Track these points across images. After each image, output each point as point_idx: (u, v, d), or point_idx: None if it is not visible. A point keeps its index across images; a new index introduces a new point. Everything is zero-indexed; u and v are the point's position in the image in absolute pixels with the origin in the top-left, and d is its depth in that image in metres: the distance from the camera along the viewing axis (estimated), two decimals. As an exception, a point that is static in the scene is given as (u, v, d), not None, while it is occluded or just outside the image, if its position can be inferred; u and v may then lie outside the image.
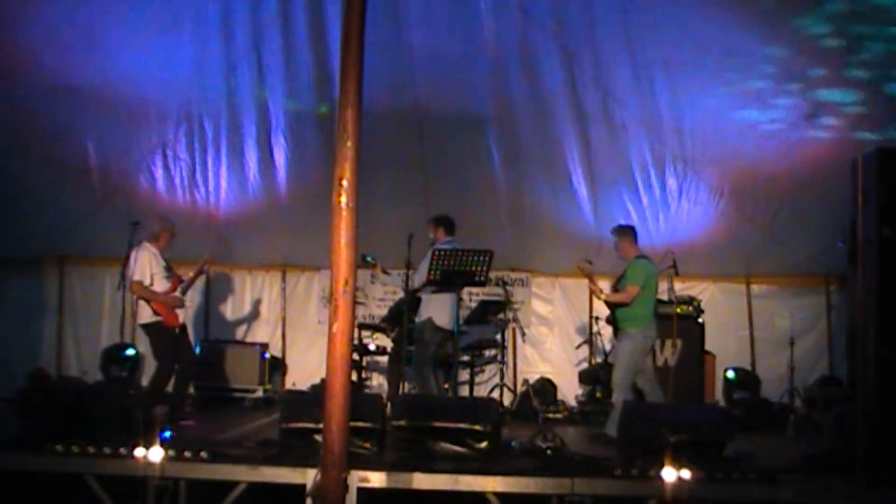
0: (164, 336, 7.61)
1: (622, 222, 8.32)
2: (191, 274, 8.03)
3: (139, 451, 5.67)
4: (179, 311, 7.74)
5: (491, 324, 9.57)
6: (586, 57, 8.47)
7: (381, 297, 10.33)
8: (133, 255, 7.69)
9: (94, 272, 10.45)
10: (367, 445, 6.03)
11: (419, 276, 7.83)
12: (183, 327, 7.86)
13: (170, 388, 7.74)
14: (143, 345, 9.15)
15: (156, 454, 5.63)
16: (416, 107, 8.98)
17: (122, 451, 5.74)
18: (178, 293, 7.77)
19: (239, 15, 8.53)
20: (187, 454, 5.73)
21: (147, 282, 7.56)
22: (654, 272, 7.63)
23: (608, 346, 9.56)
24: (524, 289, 10.39)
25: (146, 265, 7.59)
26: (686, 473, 5.49)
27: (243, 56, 8.78)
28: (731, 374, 9.87)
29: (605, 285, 9.95)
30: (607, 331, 9.55)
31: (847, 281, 6.68)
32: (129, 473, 5.66)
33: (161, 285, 7.63)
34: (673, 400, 8.16)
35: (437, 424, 6.15)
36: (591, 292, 7.68)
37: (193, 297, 10.31)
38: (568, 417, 9.19)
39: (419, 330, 8.00)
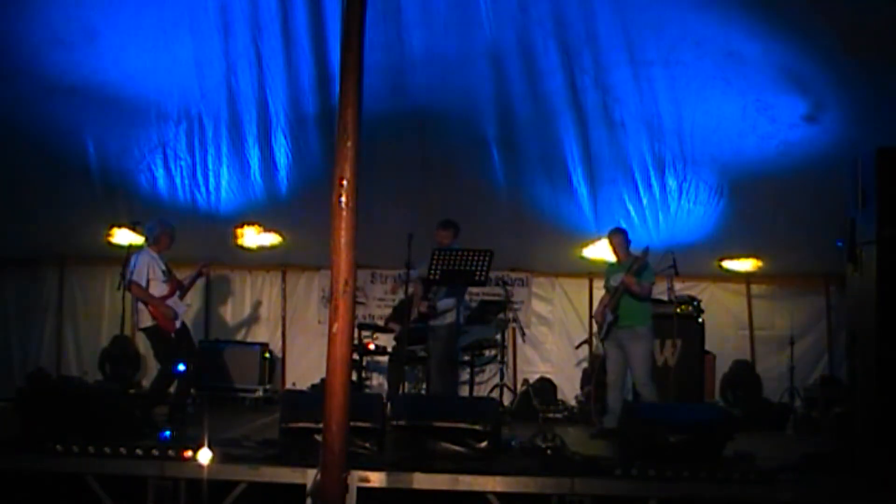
0: (163, 339, 7.62)
1: (619, 225, 8.48)
2: (190, 275, 8.06)
3: (189, 453, 5.69)
4: (180, 316, 7.76)
5: (491, 324, 9.57)
6: (586, 57, 8.47)
7: (381, 296, 10.33)
8: (133, 257, 7.70)
9: (94, 272, 10.45)
10: (367, 445, 6.03)
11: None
12: (184, 330, 7.86)
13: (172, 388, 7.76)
14: (143, 345, 9.18)
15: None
16: (416, 107, 8.98)
17: (123, 450, 5.74)
18: (176, 297, 7.77)
19: (239, 15, 8.54)
20: (187, 454, 5.73)
21: (143, 284, 7.57)
22: None
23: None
24: (524, 289, 10.39)
25: (144, 268, 7.60)
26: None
27: (243, 56, 8.78)
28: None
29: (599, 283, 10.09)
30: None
31: (847, 281, 6.67)
32: (129, 473, 5.66)
33: (158, 289, 7.64)
34: (673, 400, 8.17)
35: (437, 424, 6.15)
36: (627, 284, 7.70)
37: (193, 298, 10.31)
38: (568, 417, 9.19)
39: (443, 332, 8.00)
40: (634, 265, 7.75)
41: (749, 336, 10.27)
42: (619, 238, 8.07)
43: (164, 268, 7.74)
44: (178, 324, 7.72)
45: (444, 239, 8.08)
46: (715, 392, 9.73)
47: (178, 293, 7.82)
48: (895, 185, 5.73)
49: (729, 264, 9.86)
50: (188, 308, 8.40)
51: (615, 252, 8.07)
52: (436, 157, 9.38)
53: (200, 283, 10.12)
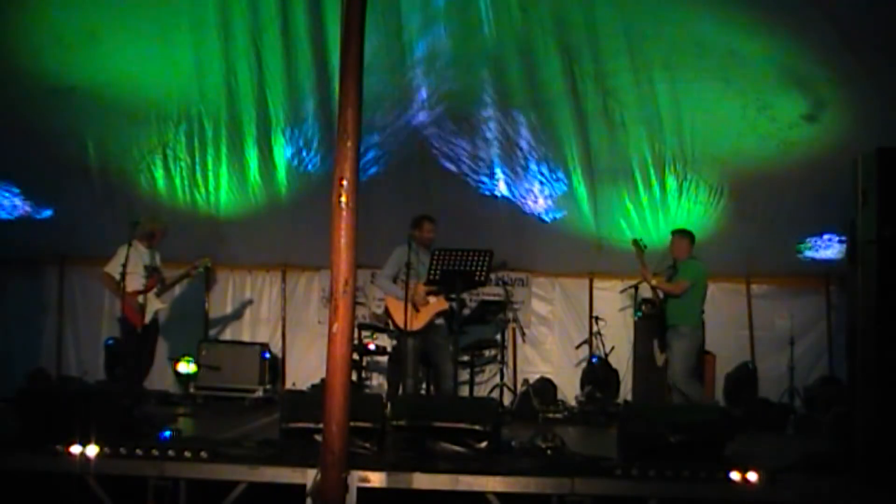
0: (128, 331, 7.77)
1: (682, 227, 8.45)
2: (176, 274, 8.16)
3: None
4: (151, 312, 7.81)
5: (491, 324, 9.57)
6: (586, 57, 8.48)
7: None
8: (119, 249, 7.83)
9: (94, 272, 10.40)
10: (367, 445, 6.02)
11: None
12: (153, 328, 7.91)
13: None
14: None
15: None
16: (416, 106, 8.99)
17: (122, 451, 5.74)
18: (151, 294, 7.81)
19: (238, 15, 8.55)
20: (187, 454, 5.72)
21: (116, 276, 7.73)
22: (706, 274, 7.92)
23: (608, 347, 9.56)
24: (524, 289, 10.38)
25: (119, 260, 7.74)
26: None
27: (243, 56, 8.79)
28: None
29: (608, 284, 10.09)
30: (607, 331, 9.61)
31: (847, 281, 6.67)
32: (129, 473, 5.66)
33: (136, 282, 7.72)
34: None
35: (437, 424, 6.14)
36: (642, 274, 7.85)
37: (192, 297, 10.33)
38: (568, 417, 9.19)
39: (447, 331, 8.00)
40: (670, 268, 7.83)
41: (749, 336, 10.26)
42: (672, 239, 8.06)
43: (147, 262, 7.82)
44: (147, 319, 7.75)
45: (431, 233, 8.01)
46: (715, 392, 9.73)
47: (155, 290, 7.87)
48: (895, 185, 5.72)
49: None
50: (163, 307, 8.39)
51: (671, 251, 8.04)
52: (436, 157, 9.38)
53: (200, 282, 10.17)
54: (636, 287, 9.15)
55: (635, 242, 8.11)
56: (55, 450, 5.75)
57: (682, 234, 8.09)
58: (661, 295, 7.92)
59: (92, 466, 5.68)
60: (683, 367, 7.61)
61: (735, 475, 5.48)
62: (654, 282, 7.77)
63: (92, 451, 5.67)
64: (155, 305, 7.94)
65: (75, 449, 5.69)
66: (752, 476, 5.48)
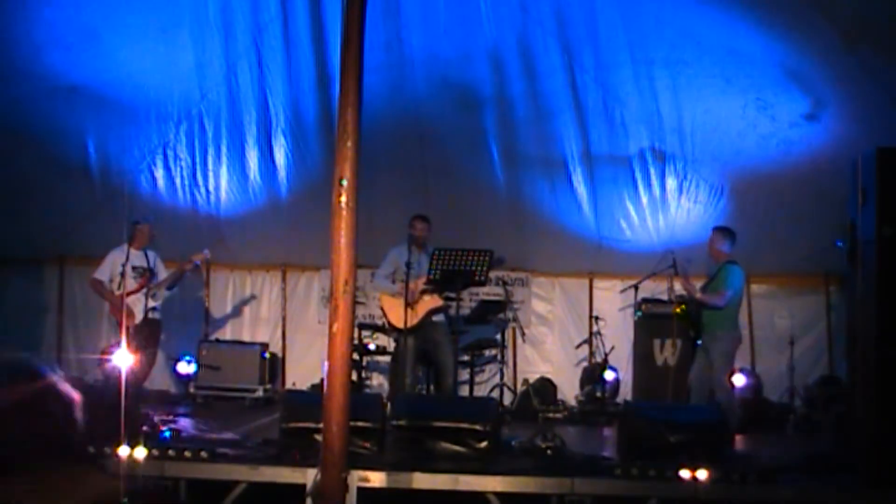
0: (124, 334, 7.78)
1: (722, 224, 8.26)
2: (173, 271, 8.18)
3: None
4: (142, 311, 7.85)
5: (491, 324, 9.56)
6: (587, 56, 8.48)
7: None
8: (109, 254, 7.94)
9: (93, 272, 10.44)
10: (367, 445, 6.03)
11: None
12: (148, 327, 7.94)
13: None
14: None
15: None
16: (416, 106, 8.98)
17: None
18: (141, 294, 7.87)
19: (239, 15, 8.55)
20: (187, 454, 5.73)
21: (105, 279, 7.86)
22: (744, 278, 7.85)
23: (608, 347, 9.55)
24: (524, 289, 10.38)
25: (108, 265, 7.88)
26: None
27: (243, 56, 8.79)
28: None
29: (608, 284, 10.09)
30: (607, 331, 9.60)
31: (847, 281, 6.67)
32: (130, 473, 5.66)
33: (128, 285, 7.83)
34: (673, 400, 8.17)
35: (437, 424, 6.15)
36: (686, 290, 7.69)
37: (191, 296, 10.32)
38: (568, 417, 9.19)
39: (447, 329, 7.99)
40: (712, 276, 7.70)
41: (749, 336, 10.25)
42: (711, 236, 7.89)
43: (136, 264, 7.85)
44: (138, 318, 7.80)
45: (422, 231, 8.03)
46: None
47: (146, 289, 7.90)
48: (895, 184, 5.73)
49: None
50: (156, 304, 8.38)
51: (709, 251, 7.91)
52: (436, 156, 9.39)
53: (199, 282, 10.16)
54: (636, 287, 9.14)
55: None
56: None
57: (724, 233, 7.87)
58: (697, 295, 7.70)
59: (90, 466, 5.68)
60: (721, 371, 7.47)
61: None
62: (698, 296, 7.59)
63: (91, 450, 5.66)
64: (148, 304, 7.95)
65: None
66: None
